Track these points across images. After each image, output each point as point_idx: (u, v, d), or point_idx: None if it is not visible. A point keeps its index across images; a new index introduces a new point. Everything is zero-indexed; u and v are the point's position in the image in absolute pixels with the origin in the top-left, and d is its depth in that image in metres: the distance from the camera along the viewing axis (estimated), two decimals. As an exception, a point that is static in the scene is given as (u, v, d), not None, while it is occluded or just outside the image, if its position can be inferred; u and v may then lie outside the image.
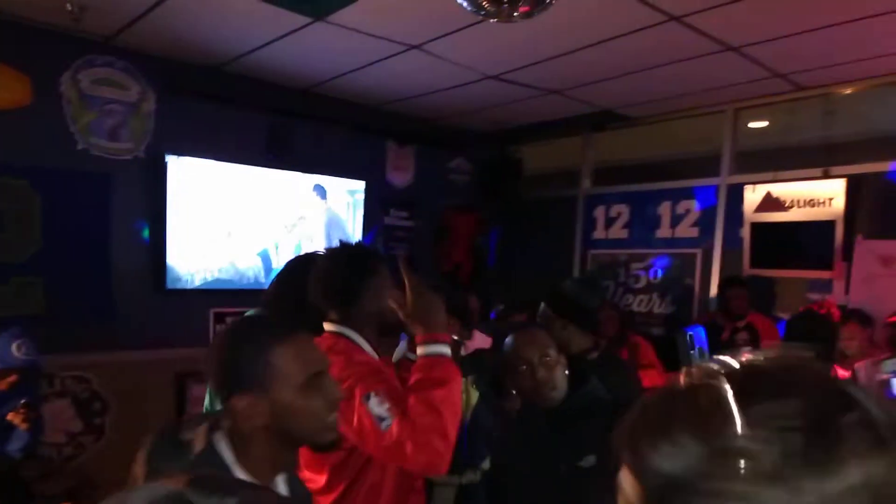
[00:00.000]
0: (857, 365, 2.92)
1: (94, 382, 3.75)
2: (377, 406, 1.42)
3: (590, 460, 1.68)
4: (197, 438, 1.13)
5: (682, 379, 0.52)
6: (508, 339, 1.86)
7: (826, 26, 3.12)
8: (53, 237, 3.60)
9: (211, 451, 1.12)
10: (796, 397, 0.45)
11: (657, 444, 0.49)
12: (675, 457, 0.47)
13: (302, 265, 1.96)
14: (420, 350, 1.51)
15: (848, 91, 4.07)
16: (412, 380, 1.49)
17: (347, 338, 1.63)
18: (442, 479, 2.23)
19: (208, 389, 1.79)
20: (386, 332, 1.63)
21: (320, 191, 4.63)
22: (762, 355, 0.49)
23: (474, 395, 2.49)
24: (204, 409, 1.79)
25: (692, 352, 1.38)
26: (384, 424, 1.40)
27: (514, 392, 1.85)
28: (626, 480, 0.54)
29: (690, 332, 1.45)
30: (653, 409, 0.53)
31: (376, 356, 1.65)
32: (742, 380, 0.47)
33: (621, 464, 0.55)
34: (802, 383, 0.46)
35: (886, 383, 1.03)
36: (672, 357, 3.31)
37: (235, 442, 1.14)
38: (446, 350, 1.51)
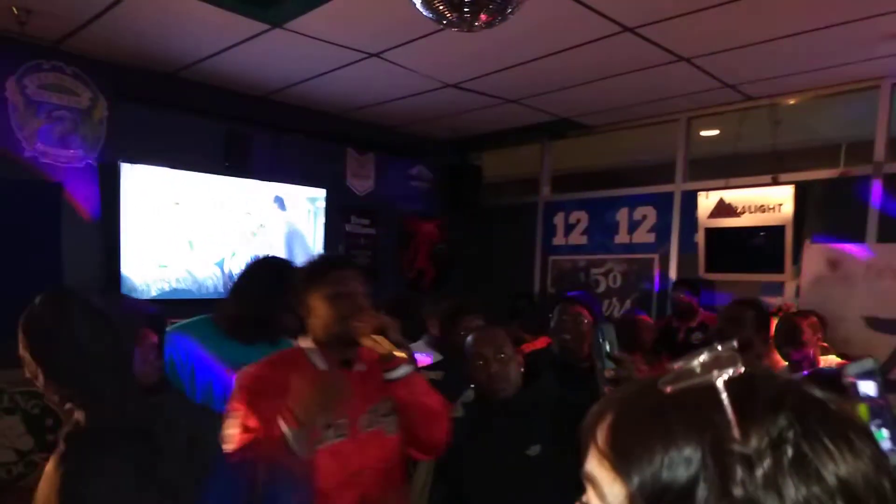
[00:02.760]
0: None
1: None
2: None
3: (535, 449, 1.85)
4: None
5: (664, 379, 0.51)
6: (469, 338, 2.06)
7: (770, 40, 3.24)
8: (0, 247, 3.46)
9: None
10: (787, 410, 0.48)
11: (657, 451, 0.49)
12: (679, 466, 0.48)
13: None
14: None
15: (792, 101, 4.23)
16: None
17: (302, 348, 1.69)
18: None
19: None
20: (340, 343, 1.62)
21: (279, 202, 4.57)
22: (748, 369, 0.50)
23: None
24: None
25: (601, 342, 1.44)
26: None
27: (471, 385, 2.02)
28: (605, 479, 0.52)
29: (602, 327, 1.52)
30: (640, 410, 0.53)
31: (322, 365, 1.65)
32: (737, 390, 0.48)
33: (592, 459, 0.54)
34: (790, 397, 0.49)
35: (853, 385, 1.11)
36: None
37: None
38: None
